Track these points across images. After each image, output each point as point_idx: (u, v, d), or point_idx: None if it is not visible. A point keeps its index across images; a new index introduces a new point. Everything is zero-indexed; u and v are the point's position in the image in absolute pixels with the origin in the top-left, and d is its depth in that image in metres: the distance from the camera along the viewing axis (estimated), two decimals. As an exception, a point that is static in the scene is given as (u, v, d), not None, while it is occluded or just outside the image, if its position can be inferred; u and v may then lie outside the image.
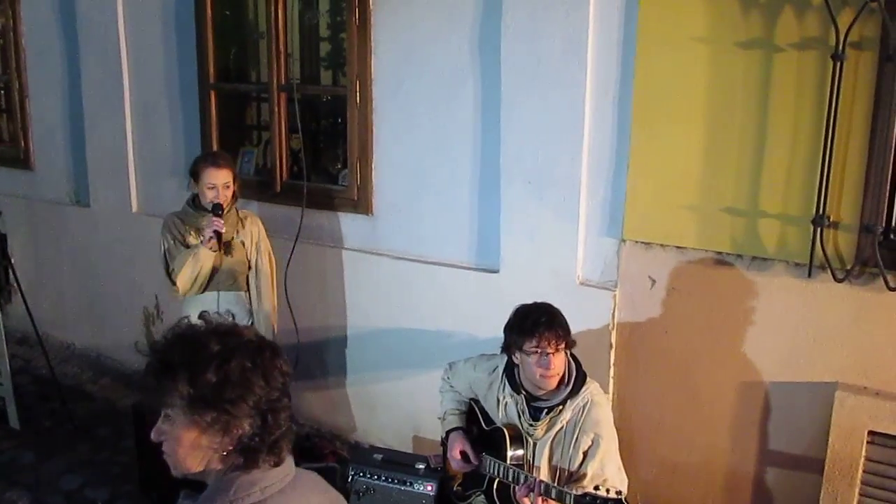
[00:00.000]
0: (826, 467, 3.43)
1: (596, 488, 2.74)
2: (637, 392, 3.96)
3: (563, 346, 3.02)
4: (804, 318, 3.47)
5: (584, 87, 3.84)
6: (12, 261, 5.90)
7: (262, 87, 5.36)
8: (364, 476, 3.92)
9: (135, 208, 5.89)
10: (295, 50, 5.58)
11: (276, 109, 4.95)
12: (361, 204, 4.73)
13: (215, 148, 5.30)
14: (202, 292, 4.02)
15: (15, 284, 5.44)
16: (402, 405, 4.75)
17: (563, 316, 3.09)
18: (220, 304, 4.01)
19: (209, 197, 3.91)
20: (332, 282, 4.81)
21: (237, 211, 4.11)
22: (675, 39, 3.56)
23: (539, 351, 2.99)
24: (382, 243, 4.73)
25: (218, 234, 3.86)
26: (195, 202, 4.02)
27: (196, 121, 5.39)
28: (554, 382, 3.06)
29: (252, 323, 4.10)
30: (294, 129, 4.94)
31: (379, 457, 4.03)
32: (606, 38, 3.78)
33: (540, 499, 2.85)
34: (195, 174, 3.96)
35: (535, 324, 3.00)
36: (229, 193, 3.96)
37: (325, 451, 4.79)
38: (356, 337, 4.88)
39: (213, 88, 5.28)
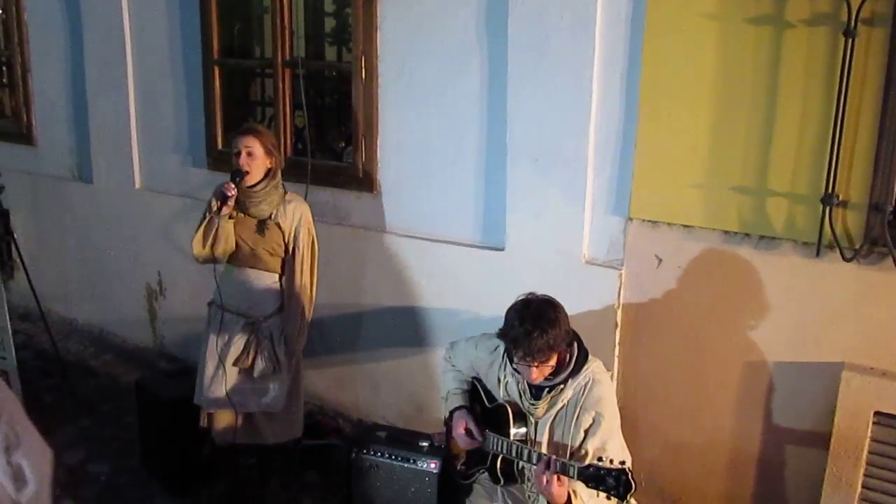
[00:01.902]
0: (831, 447, 3.41)
1: (599, 460, 2.74)
2: (642, 371, 3.95)
3: (548, 360, 2.95)
4: (811, 297, 3.44)
5: (592, 64, 3.80)
6: (15, 236, 5.88)
7: (266, 63, 5.32)
8: (368, 453, 3.93)
9: (138, 184, 5.87)
10: (300, 25, 5.54)
11: (281, 85, 4.91)
12: (366, 181, 4.70)
13: (219, 124, 5.28)
14: (239, 265, 3.96)
15: (18, 260, 5.44)
16: (405, 383, 4.74)
17: (558, 325, 2.91)
18: (253, 281, 3.96)
19: (234, 163, 3.86)
20: (336, 259, 4.79)
21: (284, 193, 3.99)
22: (684, 16, 3.52)
23: (520, 363, 2.97)
24: (387, 221, 4.71)
25: (225, 198, 3.74)
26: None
27: (200, 97, 5.36)
28: (538, 381, 3.03)
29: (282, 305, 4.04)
30: (299, 105, 4.91)
31: (383, 434, 4.03)
32: (614, 15, 3.74)
33: (555, 477, 2.82)
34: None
35: (524, 335, 2.87)
36: (255, 163, 3.83)
37: (328, 429, 4.79)
38: (360, 315, 4.86)
39: (217, 64, 5.25)
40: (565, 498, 2.86)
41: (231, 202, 3.78)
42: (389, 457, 3.90)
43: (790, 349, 3.55)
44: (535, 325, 2.87)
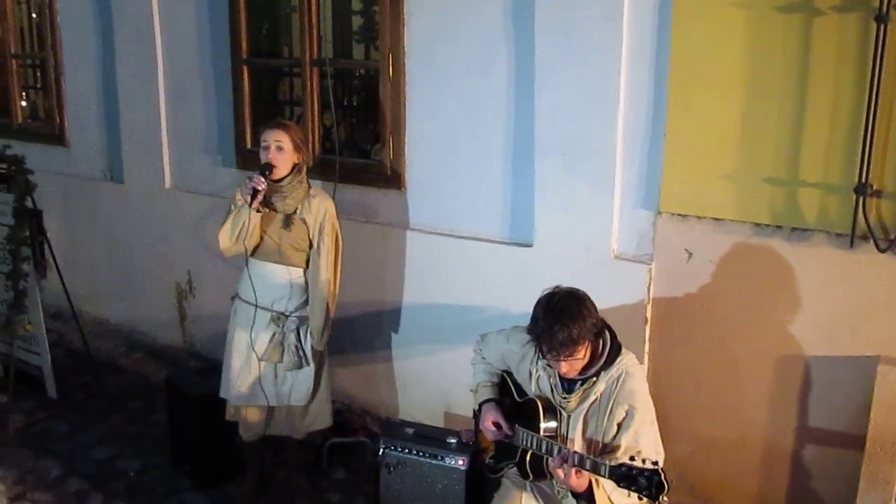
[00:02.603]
0: (867, 444, 3.33)
1: (631, 459, 2.68)
2: (673, 367, 3.90)
3: (574, 354, 2.90)
4: (845, 289, 3.38)
5: (620, 56, 3.77)
6: (48, 236, 5.93)
7: (294, 62, 5.34)
8: (395, 450, 3.91)
9: (168, 184, 5.92)
10: (327, 24, 5.55)
11: (309, 84, 4.92)
12: (394, 179, 4.70)
13: (248, 123, 5.30)
14: (265, 260, 3.94)
15: (51, 260, 5.47)
16: (433, 381, 4.72)
17: (582, 318, 2.86)
18: (278, 276, 3.95)
19: (261, 157, 3.83)
20: (364, 257, 4.78)
21: (309, 188, 3.99)
22: (713, 5, 3.48)
23: (547, 357, 2.95)
24: (414, 218, 4.70)
25: (255, 192, 3.72)
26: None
27: (229, 97, 5.39)
28: (570, 375, 3.00)
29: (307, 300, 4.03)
30: (327, 104, 4.91)
31: (410, 431, 4.01)
32: (642, 5, 3.70)
33: (573, 470, 2.79)
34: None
35: (547, 330, 2.85)
36: (283, 157, 3.82)
37: (356, 427, 4.78)
38: (388, 313, 4.85)
39: (246, 64, 5.28)
40: (585, 486, 2.82)
41: (260, 196, 3.76)
42: (417, 453, 3.88)
43: (824, 343, 3.48)
44: (556, 319, 2.84)
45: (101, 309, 6.62)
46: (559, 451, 2.91)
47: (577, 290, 2.97)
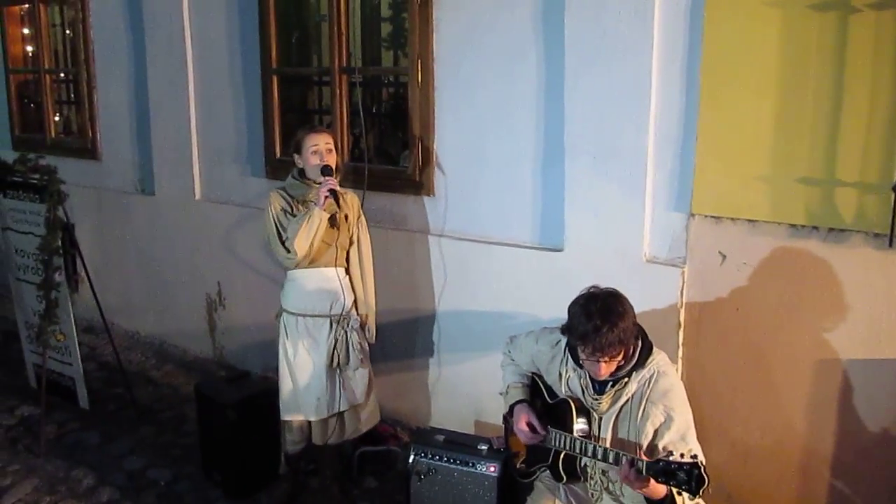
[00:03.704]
0: (910, 448, 3.27)
1: (669, 453, 2.62)
2: (707, 373, 3.83)
3: (618, 354, 2.86)
4: (884, 290, 3.30)
5: (651, 57, 3.73)
6: (80, 249, 5.97)
7: (323, 71, 5.35)
8: (426, 457, 3.88)
9: (198, 195, 5.95)
10: (356, 32, 5.57)
11: (338, 92, 4.93)
12: (422, 185, 4.68)
13: (277, 133, 5.32)
14: (313, 266, 3.97)
15: (83, 273, 5.49)
16: (463, 389, 4.68)
17: (627, 317, 2.84)
18: (331, 280, 3.99)
19: (313, 162, 3.88)
20: (393, 264, 4.77)
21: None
22: (745, 4, 3.44)
23: (589, 359, 2.89)
24: (444, 224, 4.68)
25: (334, 194, 3.79)
26: (300, 174, 3.97)
27: (258, 106, 5.41)
28: (605, 376, 2.94)
29: (355, 299, 4.11)
30: (356, 111, 4.91)
31: (441, 438, 3.98)
32: (673, 5, 3.67)
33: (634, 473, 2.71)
34: (297, 145, 3.94)
35: (594, 331, 2.79)
36: (333, 159, 3.91)
37: (386, 435, 4.74)
38: (417, 320, 4.83)
39: (276, 73, 5.29)
40: (664, 492, 2.76)
41: (338, 196, 3.86)
42: (447, 460, 3.84)
43: (864, 346, 3.40)
44: (604, 319, 2.79)
45: (132, 321, 6.67)
46: (603, 452, 2.85)
47: (615, 290, 2.94)
